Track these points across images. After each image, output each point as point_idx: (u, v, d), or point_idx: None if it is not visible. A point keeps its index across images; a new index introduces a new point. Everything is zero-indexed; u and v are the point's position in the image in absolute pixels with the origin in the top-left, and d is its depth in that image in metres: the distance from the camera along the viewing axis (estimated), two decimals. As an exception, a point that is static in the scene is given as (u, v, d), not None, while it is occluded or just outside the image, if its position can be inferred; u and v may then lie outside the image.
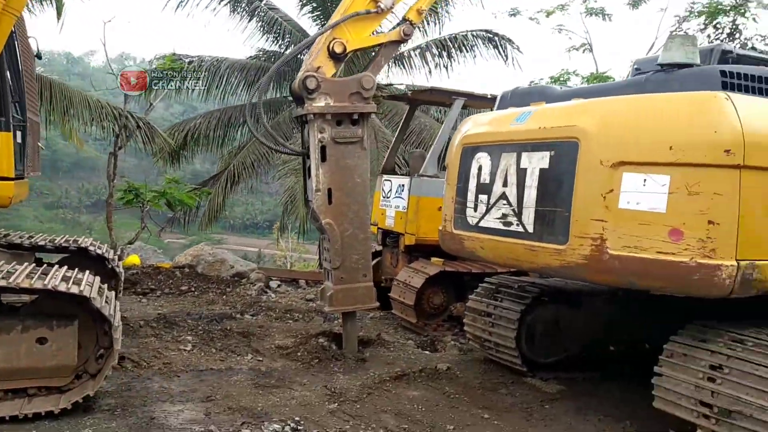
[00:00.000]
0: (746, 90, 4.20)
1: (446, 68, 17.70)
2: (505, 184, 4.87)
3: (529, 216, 4.62)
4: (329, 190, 6.21)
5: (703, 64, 4.66)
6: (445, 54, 17.56)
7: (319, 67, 6.20)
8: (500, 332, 5.93)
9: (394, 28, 6.52)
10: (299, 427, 4.48)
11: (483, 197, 5.09)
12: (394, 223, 8.43)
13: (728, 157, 3.77)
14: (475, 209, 5.16)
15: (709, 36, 12.61)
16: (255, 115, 6.63)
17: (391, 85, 17.32)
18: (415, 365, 6.06)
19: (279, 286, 9.85)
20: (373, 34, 6.52)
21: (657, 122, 4.03)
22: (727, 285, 3.79)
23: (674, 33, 4.64)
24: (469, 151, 5.35)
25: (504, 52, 17.66)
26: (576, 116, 4.42)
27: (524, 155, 4.72)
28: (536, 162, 4.60)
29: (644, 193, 3.97)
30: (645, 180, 3.97)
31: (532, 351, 5.96)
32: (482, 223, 5.08)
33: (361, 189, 6.35)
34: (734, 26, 12.41)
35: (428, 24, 17.84)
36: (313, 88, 6.08)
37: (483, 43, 17.70)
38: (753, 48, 12.19)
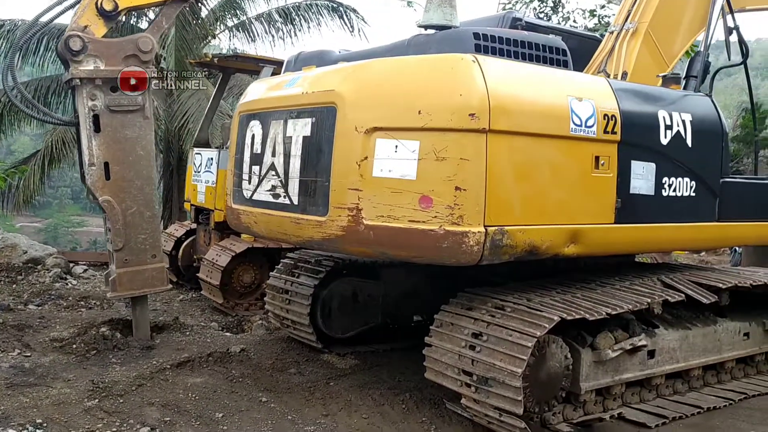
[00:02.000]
0: (500, 53, 4.14)
1: (291, 37, 17.19)
2: (274, 154, 4.56)
3: (294, 187, 4.35)
4: (106, 164, 5.63)
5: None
6: (289, 23, 16.99)
7: (86, 26, 5.54)
8: (295, 309, 5.69)
9: None
10: (38, 430, 3.99)
11: (256, 168, 4.75)
12: (204, 199, 7.95)
13: (473, 121, 3.67)
14: (249, 181, 4.83)
15: (534, 9, 13.00)
16: (12, 78, 5.84)
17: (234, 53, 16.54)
18: (209, 349, 5.68)
19: (85, 271, 9.04)
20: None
21: (407, 86, 3.87)
22: (476, 252, 3.73)
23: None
24: (244, 120, 4.99)
25: (349, 22, 17.37)
26: (335, 81, 4.17)
27: (290, 122, 4.42)
28: (300, 129, 4.33)
29: (396, 159, 3.80)
30: (396, 146, 3.80)
31: (328, 326, 5.77)
32: (255, 196, 4.75)
33: (145, 162, 5.81)
34: (557, 0, 12.89)
35: (271, -10, 17.17)
36: (78, 50, 5.43)
37: (328, 13, 17.30)
38: (574, 21, 12.73)
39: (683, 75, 5.65)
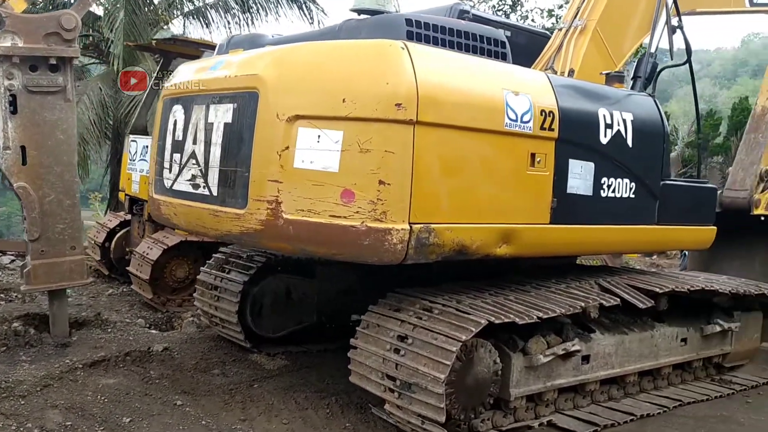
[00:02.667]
0: (434, 42, 3.94)
1: (248, 26, 16.79)
2: (195, 141, 4.27)
3: (214, 177, 4.07)
4: (23, 148, 5.26)
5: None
6: (246, 11, 16.59)
7: (4, 1, 5.20)
8: (224, 306, 5.40)
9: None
10: None
11: (177, 156, 4.46)
12: (139, 189, 7.59)
13: (400, 111, 3.45)
14: (170, 170, 4.53)
15: (493, 7, 12.93)
16: None
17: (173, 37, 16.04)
18: (129, 348, 5.35)
19: (12, 261, 8.58)
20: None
21: (332, 72, 3.63)
22: (399, 250, 3.52)
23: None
24: (168, 104, 4.69)
25: (309, 13, 17.08)
26: (259, 65, 3.91)
27: (212, 108, 4.14)
28: (222, 116, 4.05)
29: (318, 150, 3.56)
30: (319, 136, 3.56)
31: (258, 325, 5.50)
32: (175, 186, 4.46)
33: (66, 147, 5.45)
34: (516, -1, 12.85)
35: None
36: (-6, 25, 5.07)
37: (287, 3, 16.97)
38: (533, 20, 12.69)
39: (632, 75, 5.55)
